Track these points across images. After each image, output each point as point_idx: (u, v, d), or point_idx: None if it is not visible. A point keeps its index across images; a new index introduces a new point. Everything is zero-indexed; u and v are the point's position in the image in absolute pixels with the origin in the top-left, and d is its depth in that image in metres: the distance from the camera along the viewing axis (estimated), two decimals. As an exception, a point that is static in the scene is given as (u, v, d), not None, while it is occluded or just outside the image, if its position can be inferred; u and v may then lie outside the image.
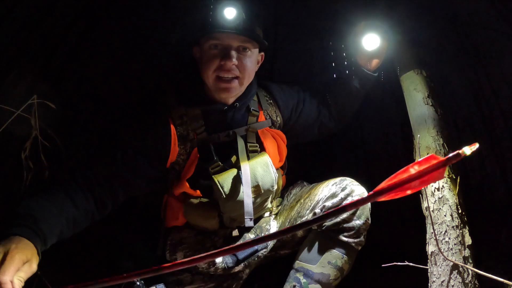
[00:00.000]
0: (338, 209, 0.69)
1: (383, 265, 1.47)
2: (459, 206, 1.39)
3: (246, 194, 1.46)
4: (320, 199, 1.52)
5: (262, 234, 1.62)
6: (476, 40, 2.14)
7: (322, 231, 1.52)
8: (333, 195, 1.51)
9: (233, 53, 1.44)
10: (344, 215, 1.47)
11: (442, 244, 1.35)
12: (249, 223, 1.47)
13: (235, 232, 1.60)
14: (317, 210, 1.53)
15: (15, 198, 1.63)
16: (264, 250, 1.58)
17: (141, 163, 1.45)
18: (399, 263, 1.43)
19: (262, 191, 1.52)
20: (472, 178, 2.36)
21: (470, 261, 1.34)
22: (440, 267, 1.34)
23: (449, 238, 1.35)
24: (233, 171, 1.50)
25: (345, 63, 1.77)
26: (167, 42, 2.16)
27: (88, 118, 2.20)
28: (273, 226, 1.65)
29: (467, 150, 0.64)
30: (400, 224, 2.27)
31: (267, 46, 1.56)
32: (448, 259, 1.32)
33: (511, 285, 1.25)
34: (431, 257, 1.38)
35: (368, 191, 1.53)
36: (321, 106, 1.78)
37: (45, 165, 1.58)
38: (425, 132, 1.51)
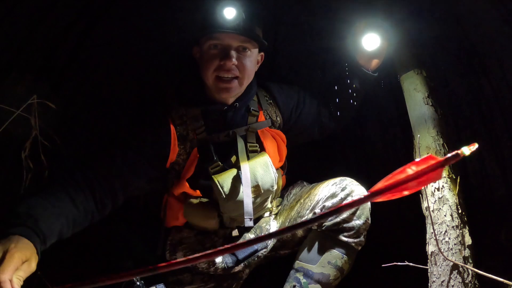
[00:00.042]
0: (334, 210, 0.68)
1: (383, 265, 1.47)
2: (459, 206, 1.39)
3: (246, 194, 1.46)
4: (320, 199, 1.52)
5: (262, 234, 1.62)
6: (476, 40, 2.14)
7: (322, 231, 1.52)
8: (333, 195, 1.51)
9: (233, 53, 1.44)
10: (344, 215, 1.47)
11: (442, 244, 1.35)
12: (248, 223, 1.47)
13: (235, 232, 1.60)
14: (317, 210, 1.53)
15: (15, 198, 1.62)
16: (264, 250, 1.58)
17: (141, 163, 1.45)
18: (399, 263, 1.43)
19: (262, 191, 1.52)
20: (472, 178, 2.35)
21: (470, 261, 1.34)
22: (440, 267, 1.34)
23: (449, 238, 1.35)
24: (233, 171, 1.50)
25: (345, 63, 1.77)
26: (167, 42, 2.16)
27: (88, 118, 2.20)
28: (273, 226, 1.65)
29: (466, 150, 0.64)
30: (400, 224, 2.26)
31: (267, 46, 1.56)
32: (448, 259, 1.32)
33: (511, 285, 1.25)
34: (431, 257, 1.38)
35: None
36: (321, 106, 1.78)
37: (45, 165, 1.58)
38: (425, 132, 1.51)
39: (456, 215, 1.37)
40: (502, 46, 2.05)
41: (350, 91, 1.77)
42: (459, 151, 0.64)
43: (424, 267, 1.40)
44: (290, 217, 1.61)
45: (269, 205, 1.65)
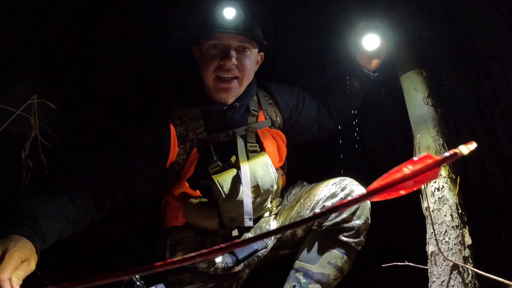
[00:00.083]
0: (330, 209, 0.68)
1: (383, 265, 1.47)
2: (459, 206, 1.39)
3: (246, 194, 1.46)
4: (320, 199, 1.52)
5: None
6: (476, 40, 2.14)
7: (322, 231, 1.52)
8: (333, 195, 1.51)
9: (233, 53, 1.44)
10: (344, 215, 1.47)
11: (442, 244, 1.35)
12: (248, 223, 1.47)
13: (235, 232, 1.60)
14: (317, 210, 1.52)
15: (15, 198, 1.63)
16: (264, 250, 1.58)
17: (140, 163, 1.44)
18: (399, 263, 1.43)
19: (262, 191, 1.52)
20: (472, 178, 2.36)
21: (470, 261, 1.34)
22: (440, 267, 1.34)
23: (449, 238, 1.35)
24: (233, 171, 1.50)
25: (345, 63, 1.77)
26: (167, 42, 2.16)
27: (88, 118, 2.20)
28: (273, 226, 1.65)
29: (464, 149, 0.63)
30: (400, 224, 2.26)
31: (267, 46, 1.56)
32: (448, 259, 1.32)
33: (511, 285, 1.25)
34: (431, 257, 1.38)
35: (368, 191, 1.52)
36: (321, 106, 1.78)
37: (45, 165, 1.58)
38: (425, 132, 1.51)
39: (456, 215, 1.37)
40: (502, 46, 2.06)
41: (350, 91, 1.77)
42: (457, 150, 0.63)
43: (424, 267, 1.40)
44: (290, 217, 1.61)
45: (269, 205, 1.65)
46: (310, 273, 1.50)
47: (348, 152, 2.66)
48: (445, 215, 1.37)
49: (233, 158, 1.55)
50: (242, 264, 1.55)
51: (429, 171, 0.64)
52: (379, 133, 2.61)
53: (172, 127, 1.48)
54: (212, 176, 1.48)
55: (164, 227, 1.64)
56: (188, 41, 1.57)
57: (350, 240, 1.49)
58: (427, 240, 1.41)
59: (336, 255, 1.50)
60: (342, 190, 1.51)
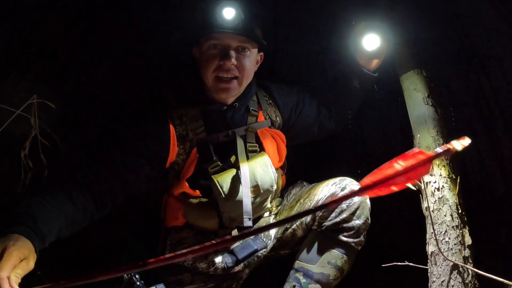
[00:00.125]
0: (321, 206, 0.68)
1: (383, 265, 1.47)
2: (459, 206, 1.39)
3: (245, 194, 1.46)
4: (320, 199, 1.52)
5: (261, 234, 1.62)
6: (476, 40, 2.14)
7: (321, 231, 1.52)
8: (333, 195, 1.51)
9: (232, 53, 1.44)
10: (344, 215, 1.47)
11: (442, 244, 1.35)
12: (248, 223, 1.47)
13: (235, 232, 1.60)
14: (317, 210, 1.52)
15: (15, 198, 1.63)
16: (264, 250, 1.58)
17: (140, 163, 1.44)
18: (399, 263, 1.43)
19: (261, 191, 1.52)
20: (472, 178, 2.36)
21: (470, 261, 1.34)
22: (440, 267, 1.34)
23: (449, 238, 1.35)
24: (232, 171, 1.50)
25: (345, 63, 1.76)
26: (167, 42, 2.16)
27: (88, 118, 2.20)
28: (273, 226, 1.65)
29: (457, 145, 0.62)
30: (400, 224, 2.26)
31: (267, 46, 1.56)
32: (448, 259, 1.31)
33: (511, 285, 1.25)
34: (431, 257, 1.38)
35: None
36: (321, 106, 1.78)
37: (45, 164, 1.58)
38: (425, 132, 1.51)
39: (456, 215, 1.37)
40: (502, 46, 2.06)
41: (350, 91, 1.77)
42: (450, 146, 0.63)
43: (424, 267, 1.40)
44: (290, 217, 1.61)
45: (268, 205, 1.65)
46: (310, 273, 1.50)
47: (348, 152, 2.66)
48: (445, 215, 1.37)
49: (232, 158, 1.55)
50: (242, 264, 1.55)
51: (420, 167, 0.63)
52: (379, 133, 2.61)
53: (171, 127, 1.48)
54: (212, 176, 1.48)
55: (164, 227, 1.64)
56: (188, 41, 1.57)
57: (350, 240, 1.49)
58: (427, 240, 1.41)
59: (336, 255, 1.50)
60: (342, 190, 1.51)
